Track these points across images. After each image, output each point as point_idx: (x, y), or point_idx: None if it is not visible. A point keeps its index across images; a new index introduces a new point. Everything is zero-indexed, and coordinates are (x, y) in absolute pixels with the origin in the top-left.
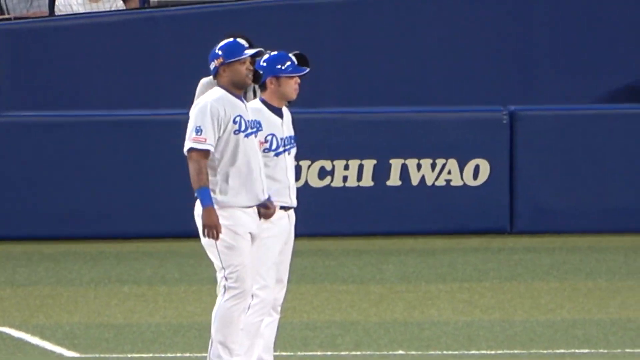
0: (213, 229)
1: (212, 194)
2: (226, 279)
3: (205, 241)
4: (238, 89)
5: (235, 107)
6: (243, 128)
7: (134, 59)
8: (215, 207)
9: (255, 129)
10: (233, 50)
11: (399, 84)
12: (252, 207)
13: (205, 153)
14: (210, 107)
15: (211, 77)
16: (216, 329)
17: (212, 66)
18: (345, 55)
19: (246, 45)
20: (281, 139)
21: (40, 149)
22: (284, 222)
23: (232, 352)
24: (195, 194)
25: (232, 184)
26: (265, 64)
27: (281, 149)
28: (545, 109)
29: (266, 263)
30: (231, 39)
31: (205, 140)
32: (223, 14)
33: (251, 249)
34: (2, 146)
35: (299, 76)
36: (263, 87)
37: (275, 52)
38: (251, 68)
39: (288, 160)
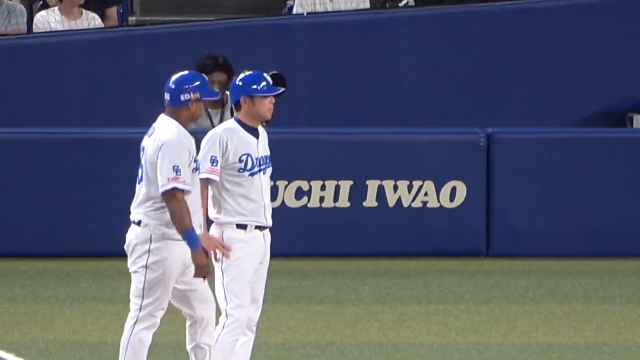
0: (205, 268)
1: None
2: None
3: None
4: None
5: (190, 142)
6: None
7: (112, 77)
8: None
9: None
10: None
11: (376, 105)
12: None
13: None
14: (182, 144)
15: None
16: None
17: (183, 98)
18: (323, 76)
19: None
20: (256, 158)
21: (16, 166)
22: (259, 242)
23: None
24: (183, 235)
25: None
26: (240, 83)
27: (256, 169)
28: (521, 132)
29: (240, 282)
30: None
31: (185, 180)
32: (200, 33)
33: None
34: None
35: (274, 96)
36: (238, 107)
37: (251, 72)
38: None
39: (263, 180)
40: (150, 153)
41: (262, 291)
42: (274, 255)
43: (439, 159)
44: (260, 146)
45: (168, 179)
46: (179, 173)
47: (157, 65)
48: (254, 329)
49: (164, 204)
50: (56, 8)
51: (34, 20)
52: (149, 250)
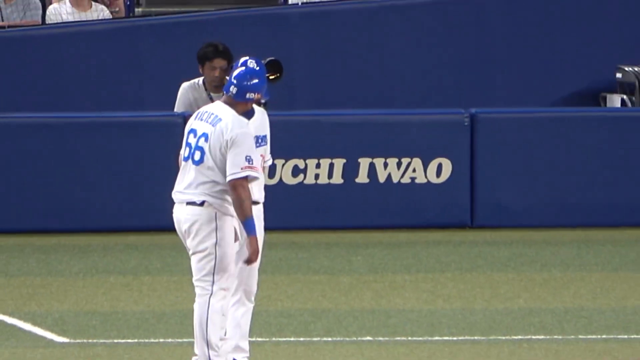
0: (257, 254)
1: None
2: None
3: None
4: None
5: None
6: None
7: (120, 65)
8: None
9: (256, 145)
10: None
11: (367, 88)
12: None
13: (251, 180)
14: (252, 138)
15: (192, 81)
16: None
17: (249, 95)
18: (317, 62)
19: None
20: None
21: (32, 148)
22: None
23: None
24: (245, 222)
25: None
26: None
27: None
28: (503, 112)
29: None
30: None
31: (257, 169)
32: (202, 23)
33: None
34: None
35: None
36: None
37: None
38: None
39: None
40: (217, 141)
41: (257, 263)
42: (272, 228)
43: (426, 137)
44: (251, 126)
45: (241, 168)
46: (251, 162)
47: (162, 53)
48: (253, 298)
49: (223, 185)
50: (67, 0)
51: (47, 12)
52: (216, 228)
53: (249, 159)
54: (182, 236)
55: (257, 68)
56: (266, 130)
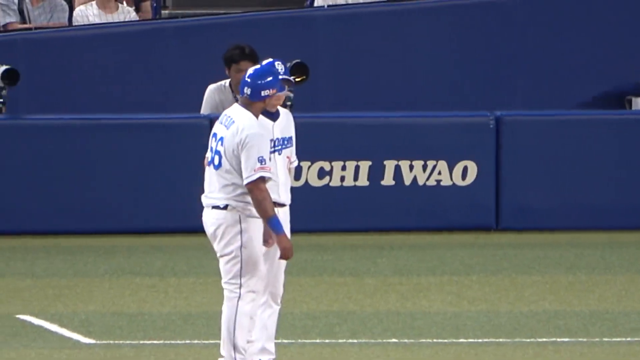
0: (290, 250)
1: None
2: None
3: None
4: (268, 110)
5: (269, 131)
6: (277, 147)
7: (146, 67)
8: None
9: (280, 147)
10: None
11: (393, 90)
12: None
13: (267, 180)
14: (263, 136)
15: (219, 83)
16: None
17: (264, 93)
18: (342, 64)
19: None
20: (271, 140)
21: (58, 150)
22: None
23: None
24: (268, 222)
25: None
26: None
27: (270, 149)
28: (529, 114)
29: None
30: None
31: (270, 168)
32: (228, 25)
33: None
34: (22, 147)
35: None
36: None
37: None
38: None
39: (278, 160)
40: (230, 143)
41: (284, 266)
42: (298, 231)
43: (452, 140)
44: (276, 128)
45: (254, 170)
46: (264, 163)
47: (188, 56)
48: (279, 301)
49: (243, 187)
50: (94, 2)
51: (73, 14)
52: (241, 231)
53: (261, 160)
54: (210, 239)
55: (270, 65)
56: (291, 132)
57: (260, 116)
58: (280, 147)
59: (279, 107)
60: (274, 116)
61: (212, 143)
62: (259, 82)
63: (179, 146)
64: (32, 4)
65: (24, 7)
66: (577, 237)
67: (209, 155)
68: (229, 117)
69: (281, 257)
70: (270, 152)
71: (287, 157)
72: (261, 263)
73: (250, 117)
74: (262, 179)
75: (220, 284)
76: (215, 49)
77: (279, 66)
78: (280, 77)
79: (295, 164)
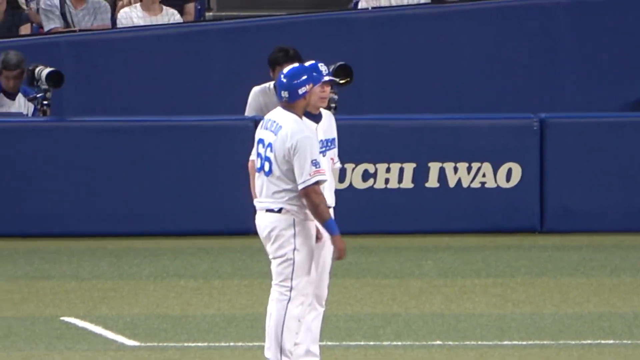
0: (345, 251)
1: (299, 209)
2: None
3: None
4: (311, 111)
5: (313, 133)
6: (322, 149)
7: (190, 69)
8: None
9: (324, 148)
10: (319, 74)
11: (437, 92)
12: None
13: (322, 183)
14: (312, 139)
15: (263, 85)
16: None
17: (301, 91)
18: (388, 67)
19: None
20: None
21: (103, 151)
22: None
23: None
24: (324, 225)
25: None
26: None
27: None
28: (573, 117)
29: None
30: (312, 62)
31: (324, 171)
32: (271, 28)
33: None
34: (67, 149)
35: (326, 84)
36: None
37: (298, 65)
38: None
39: (322, 161)
40: (280, 149)
41: (329, 268)
42: (343, 233)
43: (496, 142)
44: (320, 130)
45: (310, 174)
46: (318, 166)
47: (231, 58)
48: (324, 303)
49: (296, 192)
50: (138, 5)
51: (118, 16)
52: (294, 234)
53: (315, 163)
54: (264, 242)
55: (295, 66)
56: (334, 133)
57: (304, 118)
58: (324, 148)
59: (322, 109)
60: (316, 118)
61: (259, 149)
62: (295, 81)
63: (224, 148)
64: (75, 7)
65: (67, 11)
66: (622, 239)
67: (256, 160)
68: (274, 121)
69: (337, 258)
70: None
71: (331, 159)
72: (313, 266)
73: (295, 120)
74: (318, 183)
75: (264, 285)
76: (260, 51)
77: (322, 67)
78: (323, 76)
79: (339, 165)
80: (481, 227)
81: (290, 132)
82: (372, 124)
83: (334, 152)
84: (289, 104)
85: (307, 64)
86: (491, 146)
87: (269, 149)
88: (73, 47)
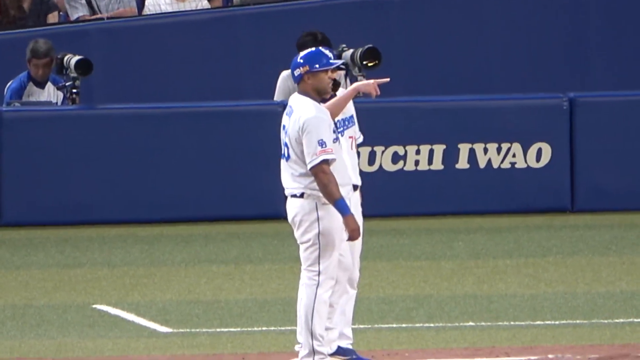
0: (358, 231)
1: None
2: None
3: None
4: (319, 96)
5: (327, 115)
6: (340, 129)
7: (218, 54)
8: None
9: (342, 128)
10: (318, 60)
11: (466, 74)
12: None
13: (331, 162)
14: (321, 119)
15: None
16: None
17: (296, 73)
18: (416, 49)
19: (331, 55)
20: (329, 125)
21: (134, 138)
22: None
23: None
24: (335, 204)
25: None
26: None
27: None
28: (602, 95)
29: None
30: (313, 49)
31: (332, 150)
32: (299, 12)
33: None
34: (96, 136)
35: (333, 69)
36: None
37: (311, 50)
38: (334, 77)
39: (342, 141)
40: (292, 132)
41: (359, 249)
42: (373, 215)
43: (526, 122)
44: None
45: (316, 154)
46: (324, 146)
47: (259, 43)
48: (356, 285)
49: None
50: None
51: (145, 3)
52: (318, 219)
53: (321, 143)
54: (292, 227)
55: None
56: (352, 111)
57: (316, 103)
58: (342, 128)
59: (337, 94)
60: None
61: (282, 135)
62: (294, 63)
63: (253, 133)
64: None
65: None
66: None
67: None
68: (290, 106)
69: (349, 239)
70: (334, 140)
71: (350, 137)
72: (339, 248)
73: (307, 102)
74: (326, 162)
75: (295, 270)
76: (288, 36)
77: (326, 52)
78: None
79: (361, 139)
80: (512, 207)
81: (300, 114)
82: (401, 106)
83: (353, 130)
84: (299, 87)
85: (305, 52)
86: (521, 126)
87: (285, 133)
88: (102, 35)
